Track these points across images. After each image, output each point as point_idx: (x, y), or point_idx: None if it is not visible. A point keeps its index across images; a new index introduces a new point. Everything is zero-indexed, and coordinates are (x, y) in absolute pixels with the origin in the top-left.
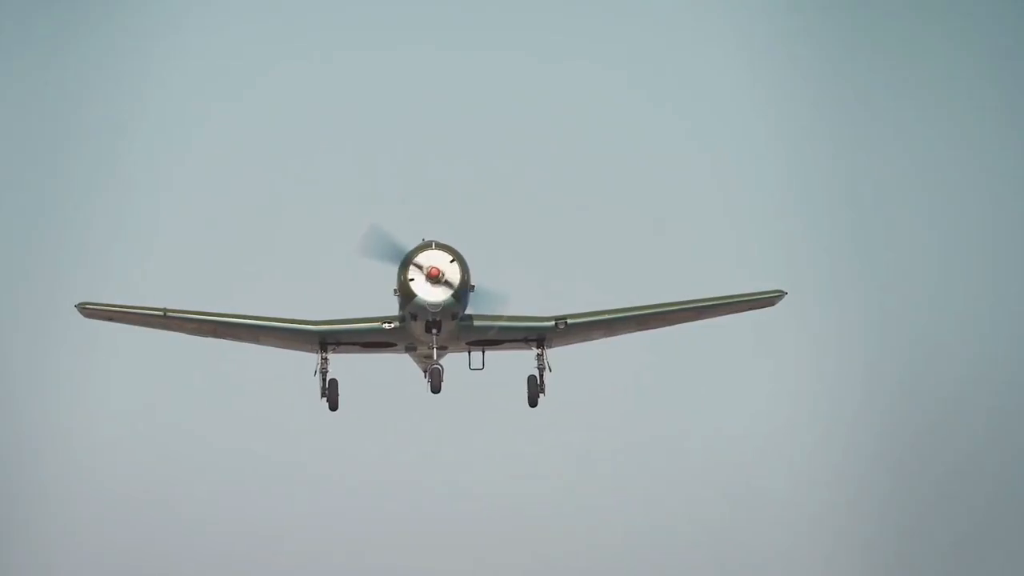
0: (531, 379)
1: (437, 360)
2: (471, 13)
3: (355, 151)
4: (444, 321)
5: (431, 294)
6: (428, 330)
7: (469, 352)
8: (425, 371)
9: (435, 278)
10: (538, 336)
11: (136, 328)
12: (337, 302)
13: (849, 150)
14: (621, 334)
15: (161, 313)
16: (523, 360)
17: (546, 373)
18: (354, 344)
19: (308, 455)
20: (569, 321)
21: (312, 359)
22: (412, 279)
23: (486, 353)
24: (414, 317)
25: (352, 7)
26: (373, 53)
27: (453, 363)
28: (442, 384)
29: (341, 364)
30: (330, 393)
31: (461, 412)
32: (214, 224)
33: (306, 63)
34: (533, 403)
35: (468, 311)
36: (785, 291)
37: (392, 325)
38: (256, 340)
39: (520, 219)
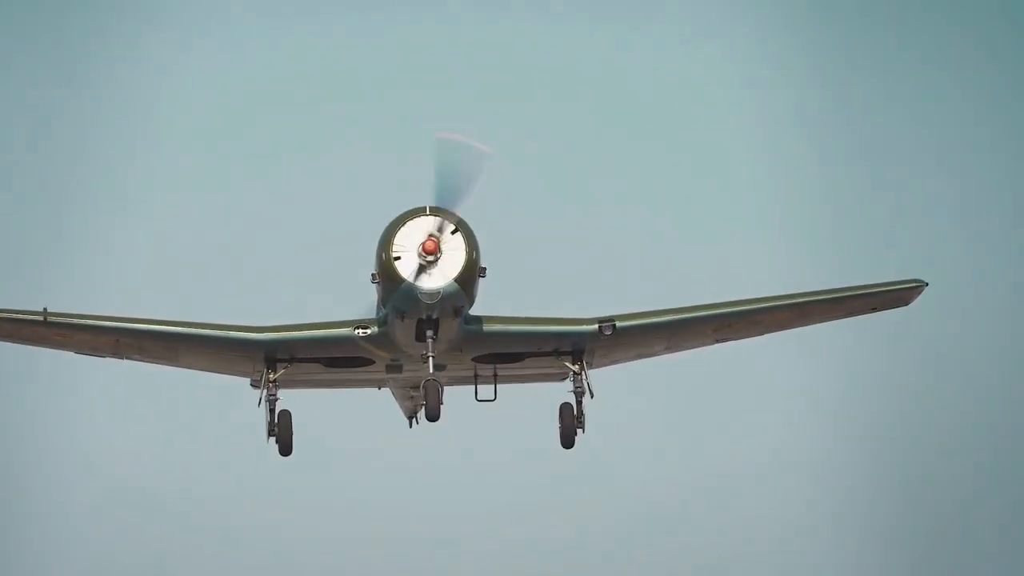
0: (565, 409)
1: (433, 375)
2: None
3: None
4: (444, 320)
5: (426, 277)
6: (421, 334)
7: (476, 373)
8: (411, 417)
9: (431, 254)
10: (575, 346)
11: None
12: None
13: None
14: (691, 346)
15: (40, 317)
16: (550, 391)
17: (586, 399)
18: (314, 361)
19: (248, 520)
20: (618, 324)
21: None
22: (398, 257)
23: (500, 377)
24: (401, 315)
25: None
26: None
27: (454, 393)
28: (441, 406)
29: (295, 396)
30: (280, 431)
31: (466, 457)
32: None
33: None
34: (568, 443)
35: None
36: (926, 281)
37: (368, 331)
38: (175, 359)
39: (548, 208)
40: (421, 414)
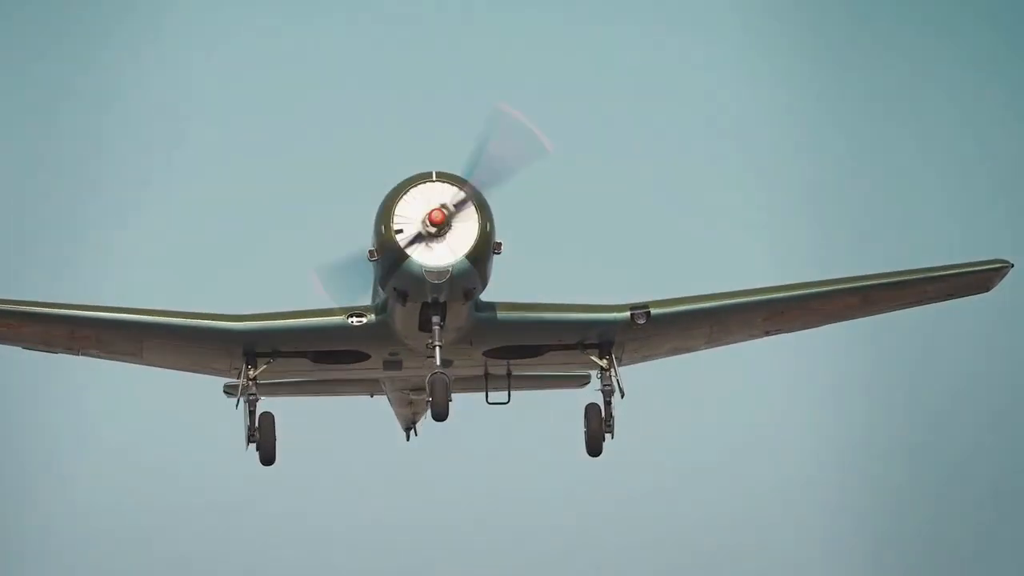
0: (591, 410)
1: (440, 367)
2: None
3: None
4: (452, 304)
5: (432, 253)
6: (425, 322)
7: (487, 372)
8: (408, 428)
9: (439, 226)
10: (602, 338)
11: None
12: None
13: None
14: (736, 339)
15: None
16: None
17: (616, 399)
18: (300, 355)
19: (226, 540)
20: (653, 311)
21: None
22: (400, 230)
23: (514, 376)
24: (403, 297)
25: None
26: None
27: (460, 399)
28: (450, 403)
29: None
30: (262, 437)
31: (476, 469)
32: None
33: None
34: (595, 450)
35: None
36: (1011, 262)
37: (363, 320)
38: (139, 354)
39: (570, 185)
40: (420, 424)
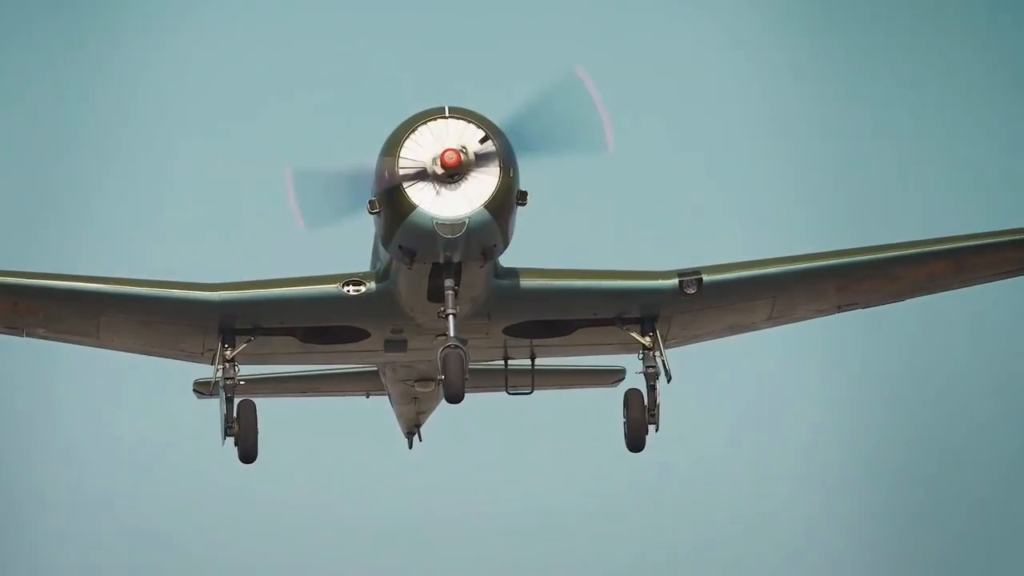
0: (633, 397)
1: (454, 340)
2: None
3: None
4: (468, 265)
5: (445, 203)
6: (435, 288)
7: (506, 355)
8: (410, 433)
9: (454, 169)
10: (645, 311)
11: None
12: None
13: None
14: (803, 316)
15: None
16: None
17: (661, 383)
18: (286, 332)
19: (201, 553)
20: (705, 278)
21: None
22: (407, 175)
23: (540, 372)
24: (409, 257)
25: None
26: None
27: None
28: (466, 381)
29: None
30: (241, 429)
31: (494, 467)
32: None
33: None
34: (636, 444)
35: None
36: None
37: (361, 289)
38: (95, 333)
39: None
40: (424, 428)
